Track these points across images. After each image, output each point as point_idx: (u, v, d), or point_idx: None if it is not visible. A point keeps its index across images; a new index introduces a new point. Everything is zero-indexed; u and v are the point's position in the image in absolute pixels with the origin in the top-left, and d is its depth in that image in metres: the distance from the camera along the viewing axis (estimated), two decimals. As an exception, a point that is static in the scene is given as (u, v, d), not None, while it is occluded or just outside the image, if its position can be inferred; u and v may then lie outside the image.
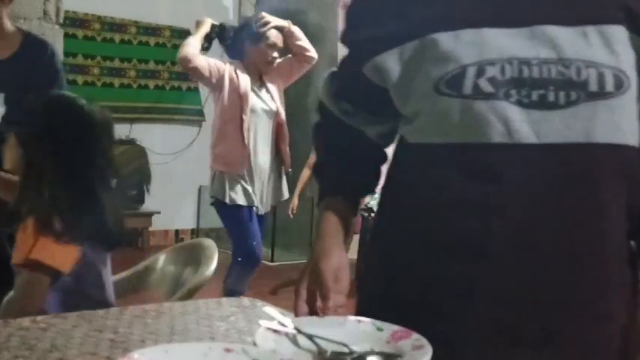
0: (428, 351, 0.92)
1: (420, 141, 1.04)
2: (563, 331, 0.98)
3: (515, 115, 0.94)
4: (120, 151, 5.86)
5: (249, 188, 3.59)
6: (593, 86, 0.95)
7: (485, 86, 0.95)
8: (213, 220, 6.66)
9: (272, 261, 5.80)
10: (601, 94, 0.95)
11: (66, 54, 4.29)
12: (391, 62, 1.03)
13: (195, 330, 1.12)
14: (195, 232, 6.61)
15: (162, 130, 6.41)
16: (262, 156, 3.64)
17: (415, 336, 0.97)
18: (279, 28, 3.64)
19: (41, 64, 2.17)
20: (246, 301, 1.30)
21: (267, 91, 3.69)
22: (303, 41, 3.70)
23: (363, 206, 4.96)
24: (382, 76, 1.06)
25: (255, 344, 0.94)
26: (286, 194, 3.88)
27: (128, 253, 2.17)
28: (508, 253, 0.96)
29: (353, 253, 4.49)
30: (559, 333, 0.98)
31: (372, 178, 1.23)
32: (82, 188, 1.63)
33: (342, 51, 1.21)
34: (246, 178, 3.58)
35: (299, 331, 0.98)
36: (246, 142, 3.54)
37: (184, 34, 6.51)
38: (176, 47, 6.57)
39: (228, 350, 0.88)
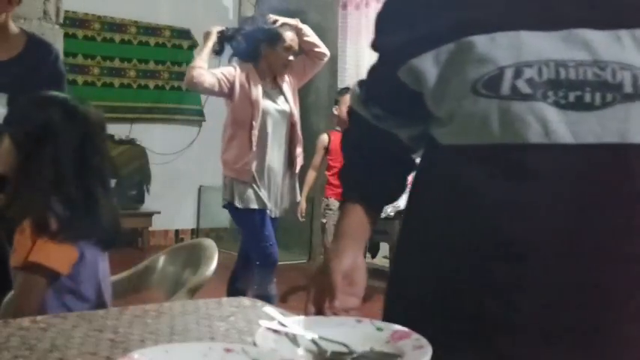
0: (428, 351, 0.92)
1: (455, 142, 1.06)
2: (607, 330, 1.00)
3: (553, 115, 0.96)
4: (120, 151, 5.87)
5: (262, 192, 3.56)
6: (628, 88, 0.96)
7: (523, 87, 0.97)
8: (213, 220, 6.68)
9: (272, 261, 5.80)
10: (635, 96, 0.97)
11: (66, 54, 4.29)
12: (427, 65, 1.05)
13: (195, 330, 1.12)
14: (195, 232, 6.61)
15: (162, 130, 6.42)
16: (276, 159, 3.62)
17: (415, 336, 0.97)
18: (289, 26, 3.63)
19: (45, 65, 2.17)
20: (246, 301, 1.30)
21: (281, 92, 3.67)
22: (312, 37, 3.69)
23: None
24: (418, 79, 1.07)
25: (255, 344, 0.94)
26: (299, 196, 3.88)
27: (128, 253, 2.18)
28: (548, 253, 0.98)
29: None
30: (603, 332, 1.00)
31: (397, 188, 1.24)
32: (78, 188, 1.63)
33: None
34: (258, 182, 3.55)
35: (299, 331, 0.98)
36: (254, 148, 3.51)
37: (184, 34, 6.53)
38: (176, 47, 6.61)
39: (228, 350, 0.88)
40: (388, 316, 1.15)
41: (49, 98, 1.75)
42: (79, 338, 1.05)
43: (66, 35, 4.01)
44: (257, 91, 3.53)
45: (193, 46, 6.53)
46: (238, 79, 3.52)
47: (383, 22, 1.18)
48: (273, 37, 3.57)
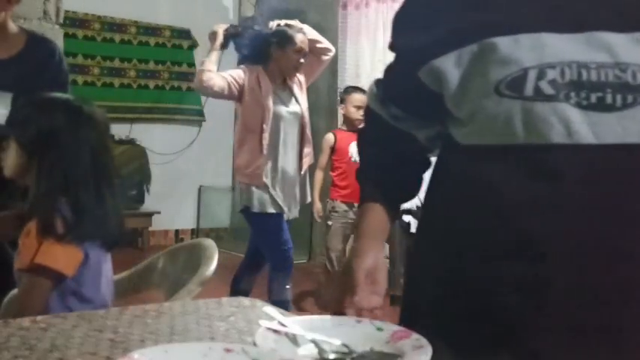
0: (428, 351, 0.92)
1: (476, 142, 1.07)
2: (630, 328, 1.01)
3: (575, 116, 0.98)
4: (120, 151, 5.87)
5: (277, 195, 3.53)
6: None
7: (547, 88, 0.99)
8: (213, 220, 6.69)
9: (272, 261, 5.80)
10: None
11: (66, 54, 4.24)
12: (449, 65, 1.06)
13: (195, 330, 1.12)
14: (195, 232, 6.62)
15: (162, 130, 6.42)
16: (290, 161, 3.60)
17: (415, 336, 0.97)
18: (300, 28, 3.61)
19: (46, 63, 2.16)
20: (246, 301, 1.30)
21: (292, 93, 3.64)
22: (314, 35, 3.68)
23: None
24: (438, 80, 1.08)
25: (255, 344, 0.94)
26: (309, 196, 3.86)
27: (128, 253, 2.18)
28: (571, 252, 0.99)
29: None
30: (626, 329, 1.01)
31: (414, 187, 1.26)
32: (86, 189, 1.63)
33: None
34: (272, 186, 3.52)
35: (299, 331, 0.98)
36: (264, 152, 3.48)
37: (184, 34, 6.53)
38: (176, 47, 6.61)
39: (228, 350, 0.88)
40: (407, 317, 1.17)
41: (52, 100, 1.74)
42: (79, 338, 1.05)
43: (66, 35, 4.01)
44: (267, 94, 3.49)
45: (193, 46, 6.54)
46: (248, 82, 3.48)
47: (401, 22, 1.19)
48: (284, 39, 3.53)
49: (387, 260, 4.49)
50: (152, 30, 6.43)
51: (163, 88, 6.51)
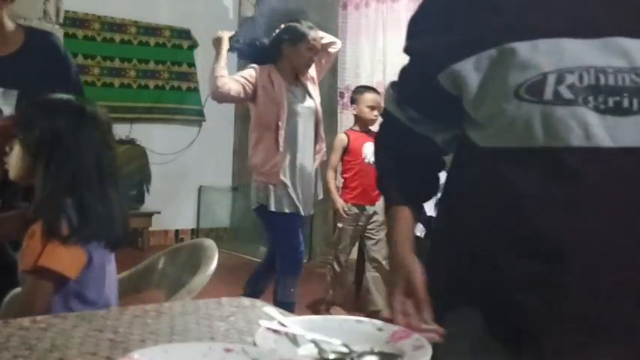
0: (428, 351, 0.92)
1: (496, 145, 1.09)
2: None
3: (593, 120, 1.01)
4: (120, 151, 5.85)
5: (294, 194, 3.49)
6: None
7: (566, 93, 1.01)
8: (213, 220, 6.69)
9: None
10: None
11: (66, 54, 4.29)
12: (468, 69, 1.08)
13: (195, 330, 1.12)
14: (195, 232, 6.62)
15: (162, 130, 6.42)
16: (307, 157, 3.56)
17: (415, 336, 0.97)
18: (312, 25, 3.59)
19: (48, 55, 2.15)
20: (246, 301, 1.29)
21: (305, 88, 3.59)
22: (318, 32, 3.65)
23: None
24: (457, 83, 1.10)
25: (255, 344, 0.94)
26: (321, 193, 3.80)
27: (128, 253, 2.19)
28: (588, 252, 1.01)
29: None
30: (639, 328, 1.03)
31: (434, 186, 1.29)
32: (93, 190, 1.63)
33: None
34: (289, 184, 3.48)
35: (299, 332, 0.98)
36: (281, 149, 3.44)
37: (184, 34, 6.53)
38: (176, 47, 6.61)
39: (228, 350, 0.88)
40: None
41: (54, 101, 1.74)
42: (79, 338, 1.05)
43: (66, 35, 4.01)
44: (281, 91, 3.45)
45: (193, 46, 6.54)
46: (260, 81, 3.44)
47: (418, 26, 1.21)
48: (296, 36, 3.49)
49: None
50: (152, 30, 6.42)
51: (163, 88, 6.51)
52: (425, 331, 1.02)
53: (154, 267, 2.08)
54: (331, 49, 3.73)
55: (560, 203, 1.02)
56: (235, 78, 3.45)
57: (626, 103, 1.01)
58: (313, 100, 3.60)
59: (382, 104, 3.99)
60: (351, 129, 4.28)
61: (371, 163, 3.98)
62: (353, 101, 4.24)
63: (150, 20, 6.36)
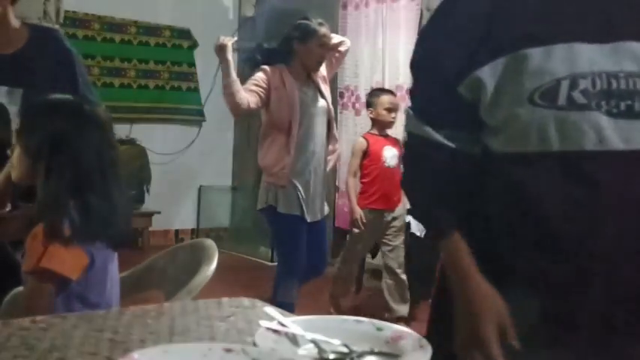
0: (428, 351, 0.92)
1: (511, 150, 1.10)
2: None
3: (606, 123, 1.03)
4: (120, 151, 5.85)
5: (303, 197, 3.43)
6: None
7: (579, 98, 1.04)
8: (213, 220, 6.69)
9: (272, 261, 5.80)
10: None
11: (66, 54, 4.28)
12: (485, 75, 1.09)
13: (195, 330, 1.12)
14: (195, 232, 6.61)
15: (163, 130, 6.41)
16: (318, 159, 3.50)
17: (415, 336, 0.97)
18: (323, 21, 3.54)
19: (52, 52, 2.15)
20: (246, 301, 1.29)
21: (317, 88, 3.54)
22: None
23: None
24: (477, 89, 1.10)
25: (255, 344, 0.94)
26: (327, 208, 3.73)
27: (128, 253, 2.17)
28: (604, 251, 1.04)
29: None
30: None
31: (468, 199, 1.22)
32: (91, 189, 1.63)
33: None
34: (299, 186, 3.42)
35: (299, 332, 0.98)
36: (292, 151, 3.38)
37: (184, 34, 6.52)
38: (176, 47, 6.60)
39: (228, 350, 0.88)
40: (438, 319, 1.18)
41: (53, 102, 1.74)
42: (79, 338, 1.05)
43: (66, 35, 4.00)
44: (293, 92, 3.39)
45: (193, 46, 6.53)
46: (272, 83, 3.38)
47: (431, 40, 1.20)
48: (307, 33, 3.43)
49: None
50: (152, 30, 6.42)
51: (163, 88, 6.50)
52: None
53: (154, 267, 2.08)
54: (341, 48, 3.69)
55: (576, 206, 1.04)
56: (250, 88, 3.36)
57: (637, 106, 1.04)
58: (325, 100, 3.54)
59: (398, 106, 4.00)
60: (369, 133, 4.13)
61: (391, 166, 3.93)
62: (369, 104, 4.11)
63: (150, 20, 6.36)
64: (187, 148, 6.48)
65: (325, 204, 3.62)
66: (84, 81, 2.22)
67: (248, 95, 3.32)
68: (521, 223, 1.09)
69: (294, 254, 3.52)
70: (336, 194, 5.53)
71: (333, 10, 5.72)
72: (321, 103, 3.52)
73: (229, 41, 3.38)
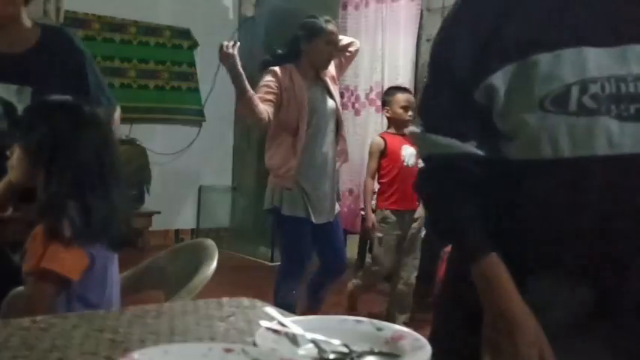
0: (428, 351, 0.92)
1: (524, 157, 1.09)
2: None
3: (615, 128, 1.04)
4: (120, 151, 5.85)
5: (307, 199, 3.39)
6: None
7: (589, 103, 1.04)
8: (213, 220, 6.69)
9: (272, 261, 5.81)
10: None
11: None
12: (499, 82, 1.09)
13: (195, 330, 1.12)
14: (195, 232, 6.61)
15: (163, 130, 6.41)
16: (326, 160, 3.46)
17: (415, 336, 0.97)
18: (330, 18, 3.51)
19: (63, 51, 2.16)
20: (246, 301, 1.30)
21: (326, 88, 3.49)
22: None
23: (363, 206, 4.94)
24: (491, 97, 1.10)
25: (255, 344, 0.94)
26: (339, 195, 3.71)
27: (128, 253, 2.16)
28: (619, 256, 1.06)
29: (353, 252, 4.46)
30: None
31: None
32: (92, 190, 1.63)
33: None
34: (308, 189, 3.39)
35: (299, 331, 0.98)
36: (299, 153, 3.34)
37: (184, 34, 6.52)
38: (176, 47, 6.60)
39: (228, 350, 0.88)
40: (447, 322, 1.19)
41: (52, 103, 1.74)
42: (79, 338, 1.05)
43: (66, 35, 4.00)
44: (302, 93, 3.35)
45: (193, 46, 6.53)
46: (282, 84, 3.32)
47: (446, 49, 1.18)
48: (313, 31, 3.38)
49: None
50: (152, 30, 6.42)
51: (163, 88, 6.50)
52: None
53: (154, 267, 2.08)
54: (351, 49, 3.65)
55: (589, 210, 1.05)
56: (266, 98, 3.27)
57: None
58: (334, 100, 3.51)
59: (414, 104, 3.96)
60: (386, 132, 4.06)
61: (409, 165, 3.85)
62: (385, 103, 4.03)
63: (150, 20, 6.36)
64: (187, 148, 6.48)
65: (336, 203, 3.59)
66: (97, 81, 2.23)
67: (267, 107, 3.25)
68: (532, 231, 1.09)
69: (296, 255, 3.51)
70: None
71: (333, 11, 5.72)
72: (330, 103, 3.48)
73: (234, 47, 3.15)
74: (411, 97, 3.98)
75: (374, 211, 3.97)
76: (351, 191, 5.36)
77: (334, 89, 3.54)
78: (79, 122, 1.67)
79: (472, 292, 1.14)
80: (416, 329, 1.02)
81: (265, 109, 3.24)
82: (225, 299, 1.30)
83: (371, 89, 5.43)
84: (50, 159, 1.62)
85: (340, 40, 3.58)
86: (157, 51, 6.45)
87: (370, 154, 3.99)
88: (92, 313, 1.22)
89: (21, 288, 1.66)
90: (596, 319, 1.08)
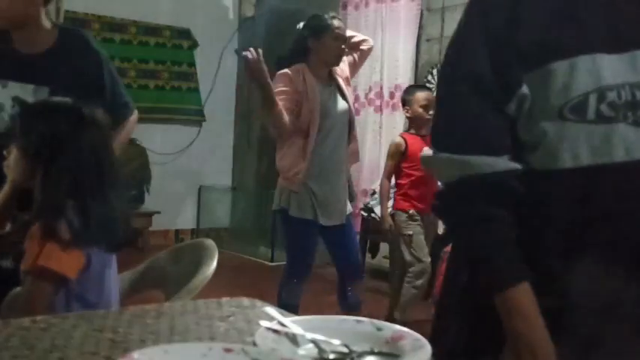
0: (428, 351, 0.92)
1: (546, 168, 1.08)
2: None
3: (632, 134, 1.04)
4: (120, 151, 5.85)
5: (315, 201, 3.35)
6: None
7: (607, 111, 1.04)
8: (213, 220, 6.69)
9: (272, 261, 5.81)
10: None
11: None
12: (527, 91, 1.08)
13: (195, 330, 1.12)
14: (195, 232, 6.62)
15: (163, 130, 6.41)
16: (337, 162, 3.40)
17: (415, 336, 0.97)
18: (336, 14, 3.45)
19: (80, 53, 2.17)
20: (246, 301, 1.29)
21: (339, 88, 3.43)
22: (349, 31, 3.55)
23: (362, 206, 4.94)
24: (521, 107, 1.09)
25: (255, 344, 0.94)
26: (353, 195, 3.65)
27: (128, 253, 2.15)
28: (635, 261, 1.06)
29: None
30: None
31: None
32: (90, 192, 1.63)
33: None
34: (317, 192, 3.34)
35: (299, 331, 0.98)
36: (308, 155, 3.29)
37: (184, 34, 6.53)
38: (176, 47, 6.61)
39: (228, 350, 0.88)
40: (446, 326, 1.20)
41: (51, 105, 1.74)
42: (79, 338, 1.05)
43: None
44: (314, 95, 3.28)
45: (193, 46, 6.53)
46: (296, 87, 3.25)
47: (467, 54, 1.12)
48: (319, 28, 3.31)
49: (388, 260, 4.43)
50: (152, 30, 6.42)
51: (163, 88, 6.51)
52: None
53: (154, 267, 2.08)
54: (364, 47, 3.59)
55: (612, 217, 1.05)
56: (287, 105, 3.20)
57: None
58: (347, 101, 3.44)
59: (434, 102, 3.82)
60: (407, 132, 3.94)
61: None
62: (405, 102, 3.88)
63: (150, 20, 6.36)
64: (187, 148, 6.48)
65: (348, 204, 3.53)
66: (113, 82, 2.26)
67: (290, 115, 3.20)
68: (552, 239, 1.09)
69: (300, 257, 3.49)
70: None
71: (333, 10, 5.73)
72: (342, 105, 3.41)
73: (260, 58, 2.95)
74: (430, 95, 3.84)
75: (391, 213, 3.88)
76: (351, 191, 5.35)
77: (347, 90, 3.47)
78: (77, 124, 1.67)
79: (472, 293, 1.14)
80: (416, 329, 1.02)
81: (287, 120, 3.18)
82: (225, 299, 1.30)
83: (370, 89, 5.43)
84: (48, 160, 1.62)
85: (353, 36, 3.54)
86: (157, 51, 6.45)
87: (390, 154, 3.86)
88: (92, 313, 1.22)
89: (19, 288, 1.66)
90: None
